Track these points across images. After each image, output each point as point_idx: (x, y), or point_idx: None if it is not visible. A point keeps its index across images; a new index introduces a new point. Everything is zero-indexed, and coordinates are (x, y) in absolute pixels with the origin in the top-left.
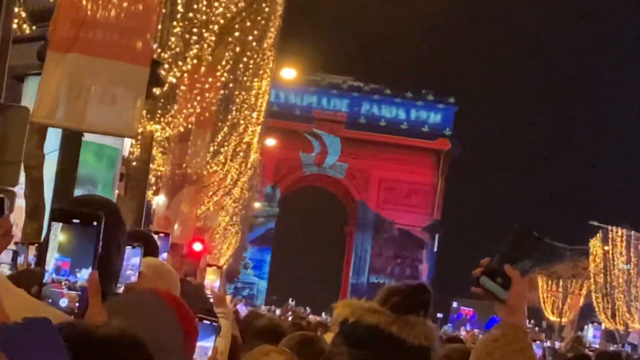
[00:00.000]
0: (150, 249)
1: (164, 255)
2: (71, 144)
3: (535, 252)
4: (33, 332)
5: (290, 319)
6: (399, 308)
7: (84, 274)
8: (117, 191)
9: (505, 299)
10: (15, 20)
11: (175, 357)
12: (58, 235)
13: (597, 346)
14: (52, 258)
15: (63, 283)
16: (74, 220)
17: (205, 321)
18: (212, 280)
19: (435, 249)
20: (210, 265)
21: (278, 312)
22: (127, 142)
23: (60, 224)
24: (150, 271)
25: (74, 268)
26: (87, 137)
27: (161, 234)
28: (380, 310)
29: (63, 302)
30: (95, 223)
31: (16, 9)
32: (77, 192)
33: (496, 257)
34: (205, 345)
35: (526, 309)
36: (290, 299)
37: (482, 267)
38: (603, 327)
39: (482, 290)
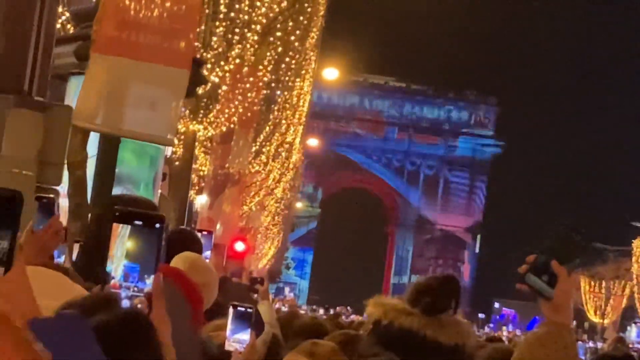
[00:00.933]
0: (194, 247)
1: (207, 253)
2: (110, 142)
3: (583, 251)
4: (65, 325)
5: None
6: (431, 309)
7: (151, 280)
8: (159, 190)
9: (551, 297)
10: (59, 20)
11: (174, 318)
12: (126, 240)
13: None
14: (121, 264)
15: (132, 289)
16: (137, 222)
17: (239, 308)
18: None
19: (477, 250)
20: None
21: (321, 312)
22: None
23: (128, 227)
24: (186, 265)
25: (143, 274)
26: None
27: (204, 232)
28: (413, 313)
29: (125, 304)
30: (157, 225)
31: (60, 9)
32: (116, 191)
33: (542, 254)
34: (241, 337)
35: (572, 308)
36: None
37: (528, 264)
38: None
39: (528, 287)
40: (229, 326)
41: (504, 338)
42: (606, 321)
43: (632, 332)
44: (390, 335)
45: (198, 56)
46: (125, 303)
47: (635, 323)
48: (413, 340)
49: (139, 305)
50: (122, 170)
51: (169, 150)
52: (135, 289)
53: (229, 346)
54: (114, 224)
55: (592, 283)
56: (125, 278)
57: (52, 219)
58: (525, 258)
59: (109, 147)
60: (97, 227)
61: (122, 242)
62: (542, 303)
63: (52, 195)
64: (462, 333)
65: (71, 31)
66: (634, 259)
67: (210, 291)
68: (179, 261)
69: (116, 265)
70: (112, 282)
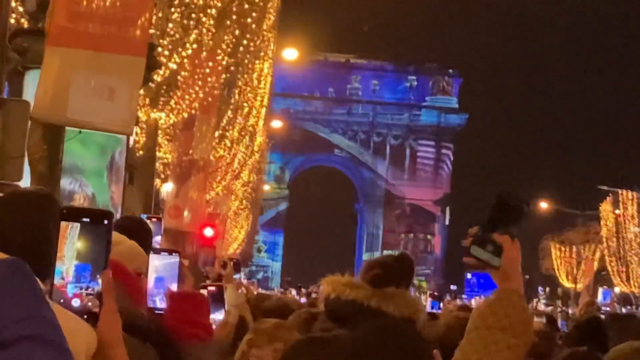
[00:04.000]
0: (142, 233)
1: (157, 238)
2: (52, 133)
3: (521, 216)
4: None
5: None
6: (378, 281)
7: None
8: (107, 179)
9: (498, 265)
10: (13, 15)
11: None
12: (75, 240)
13: (609, 309)
14: (72, 265)
15: (84, 291)
16: (84, 219)
17: (210, 287)
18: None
19: (447, 222)
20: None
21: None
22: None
23: (78, 226)
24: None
25: (94, 274)
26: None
27: (154, 219)
28: (359, 285)
29: (75, 302)
30: (106, 221)
31: (13, 3)
32: (65, 182)
33: (484, 224)
34: (217, 317)
35: (520, 272)
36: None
37: (471, 236)
38: (618, 290)
39: (475, 260)
40: None
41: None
42: (579, 286)
43: (599, 295)
44: (338, 310)
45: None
46: (76, 303)
47: (601, 286)
48: (358, 311)
49: (89, 304)
50: (68, 160)
51: (131, 140)
52: (88, 289)
53: None
54: (62, 223)
55: (563, 248)
56: (77, 279)
57: None
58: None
59: (53, 139)
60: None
61: (72, 242)
62: (491, 272)
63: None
64: (410, 305)
65: (26, 25)
66: (602, 222)
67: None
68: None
69: (67, 267)
70: (60, 282)
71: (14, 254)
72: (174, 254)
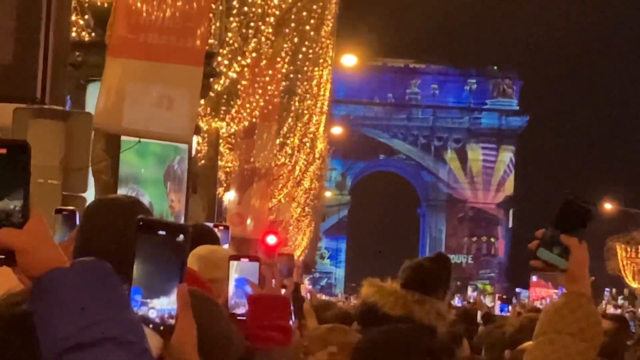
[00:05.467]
0: (211, 241)
1: (225, 246)
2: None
3: (588, 218)
4: (88, 270)
5: None
6: (410, 283)
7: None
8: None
9: (566, 268)
10: (74, 27)
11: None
12: (146, 261)
13: None
14: (144, 288)
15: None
16: (160, 232)
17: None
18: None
19: (510, 225)
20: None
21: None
22: (193, 140)
23: (147, 237)
24: (201, 264)
25: (171, 288)
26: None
27: (221, 227)
28: (384, 289)
29: (152, 313)
30: (182, 236)
31: (74, 17)
32: (121, 192)
33: (550, 227)
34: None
35: (588, 275)
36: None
37: (538, 239)
38: None
39: (542, 263)
40: None
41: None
42: None
43: None
44: (364, 314)
45: (214, 52)
46: (153, 314)
47: None
48: (369, 311)
49: (166, 316)
50: (124, 171)
51: (193, 149)
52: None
53: None
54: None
55: (628, 249)
56: (150, 308)
57: (74, 230)
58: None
59: (112, 149)
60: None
61: (146, 263)
62: (558, 275)
63: (72, 208)
64: (440, 313)
65: (87, 38)
66: None
67: (222, 286)
68: (191, 259)
69: (140, 296)
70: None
71: (97, 256)
72: (254, 260)
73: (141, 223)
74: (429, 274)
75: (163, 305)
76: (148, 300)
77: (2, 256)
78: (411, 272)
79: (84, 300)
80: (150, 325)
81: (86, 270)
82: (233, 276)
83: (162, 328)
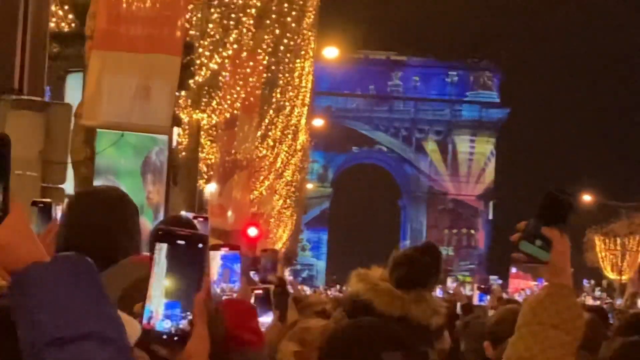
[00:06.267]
0: None
1: None
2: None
3: (569, 211)
4: (67, 265)
5: None
6: (404, 282)
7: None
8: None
9: (548, 260)
10: (54, 19)
11: None
12: (163, 270)
13: None
14: (161, 303)
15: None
16: (179, 242)
17: (257, 291)
18: None
19: (490, 217)
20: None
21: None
22: (174, 131)
23: (165, 247)
24: None
25: (185, 311)
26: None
27: (200, 218)
28: (376, 288)
29: (167, 324)
30: (201, 245)
31: (53, 7)
32: (97, 182)
33: (532, 220)
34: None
35: (570, 268)
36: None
37: (520, 232)
38: None
39: (524, 256)
40: None
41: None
42: (624, 278)
43: None
44: (350, 306)
45: (196, 45)
46: (167, 324)
47: None
48: (363, 308)
49: (181, 324)
50: (101, 162)
51: (174, 141)
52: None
53: None
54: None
55: (607, 240)
56: (166, 317)
57: (51, 223)
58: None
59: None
60: None
61: (160, 266)
62: (540, 268)
63: (49, 200)
64: (436, 310)
65: (66, 29)
66: None
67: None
68: None
69: (156, 306)
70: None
71: (81, 250)
72: (234, 249)
73: (160, 232)
74: (423, 269)
75: (179, 315)
76: (164, 310)
77: None
78: (405, 269)
79: (64, 295)
80: (164, 336)
81: (66, 265)
82: (215, 266)
83: (176, 338)
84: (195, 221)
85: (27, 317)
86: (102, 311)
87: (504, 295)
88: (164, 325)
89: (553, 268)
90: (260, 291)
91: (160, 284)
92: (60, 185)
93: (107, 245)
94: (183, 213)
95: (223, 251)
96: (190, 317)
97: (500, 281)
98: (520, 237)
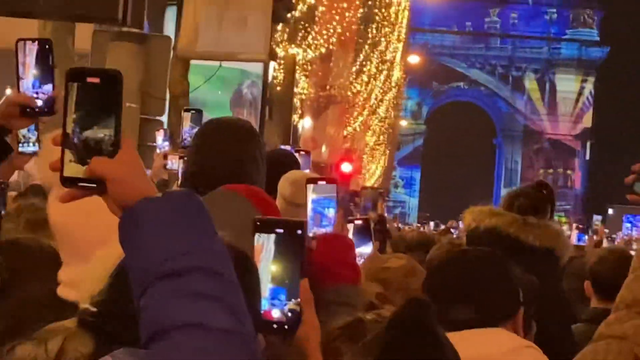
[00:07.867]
0: (291, 166)
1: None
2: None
3: None
4: (178, 202)
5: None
6: (523, 211)
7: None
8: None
9: None
10: None
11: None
12: (268, 260)
13: None
14: (269, 292)
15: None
16: (278, 231)
17: (356, 221)
18: None
19: (587, 157)
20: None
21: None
22: (270, 66)
23: (265, 236)
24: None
25: (290, 296)
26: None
27: (302, 152)
28: (500, 213)
29: (275, 314)
30: (299, 232)
31: None
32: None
33: None
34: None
35: None
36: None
37: (634, 173)
38: None
39: (638, 196)
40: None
41: (619, 241)
42: None
43: None
44: (477, 238)
45: None
46: (276, 314)
47: None
48: (496, 239)
49: (289, 313)
50: (191, 95)
51: (270, 75)
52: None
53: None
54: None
55: None
56: (274, 305)
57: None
58: (636, 163)
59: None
60: None
61: (267, 262)
62: None
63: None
64: (552, 238)
65: None
66: None
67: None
68: (285, 182)
69: (265, 295)
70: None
71: (211, 177)
72: (331, 182)
73: (258, 223)
74: (541, 201)
75: (287, 303)
76: (271, 299)
77: (94, 185)
78: (525, 200)
79: (175, 230)
80: (275, 325)
81: (177, 201)
82: (310, 199)
83: (286, 327)
84: (297, 155)
85: (137, 250)
86: (212, 247)
87: (597, 228)
88: (273, 314)
89: None
90: (360, 221)
91: (266, 273)
92: (159, 118)
93: (237, 174)
94: (282, 147)
95: (316, 193)
96: (298, 304)
97: (599, 217)
98: (635, 178)
